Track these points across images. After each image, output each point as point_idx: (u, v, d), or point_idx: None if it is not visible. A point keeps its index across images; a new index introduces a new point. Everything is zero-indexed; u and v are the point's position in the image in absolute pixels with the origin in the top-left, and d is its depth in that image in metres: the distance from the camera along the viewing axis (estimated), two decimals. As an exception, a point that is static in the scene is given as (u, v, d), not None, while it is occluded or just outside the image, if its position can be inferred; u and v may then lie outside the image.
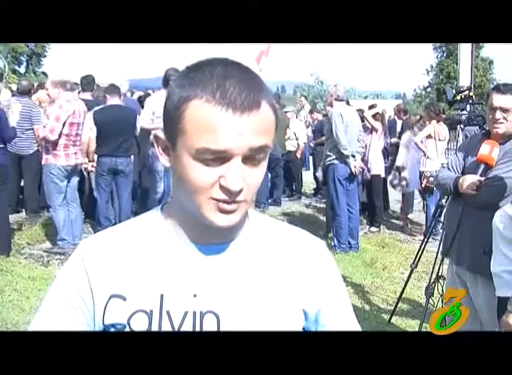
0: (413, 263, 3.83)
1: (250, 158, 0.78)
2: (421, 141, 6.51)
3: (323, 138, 6.86)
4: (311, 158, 6.87)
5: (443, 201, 3.58)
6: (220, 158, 0.76)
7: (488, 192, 2.61)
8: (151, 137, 6.04)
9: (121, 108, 5.58)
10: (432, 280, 3.32)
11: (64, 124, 5.01)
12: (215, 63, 0.80)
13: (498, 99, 2.59)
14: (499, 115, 2.59)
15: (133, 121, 5.56)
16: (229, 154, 0.76)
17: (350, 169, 5.59)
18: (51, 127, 4.94)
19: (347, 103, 6.00)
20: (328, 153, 5.69)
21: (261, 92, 0.78)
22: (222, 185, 0.77)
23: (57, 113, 4.98)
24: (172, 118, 0.79)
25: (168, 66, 5.56)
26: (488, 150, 2.66)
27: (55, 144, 5.03)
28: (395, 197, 8.32)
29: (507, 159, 2.59)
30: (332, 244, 5.66)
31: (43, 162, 5.16)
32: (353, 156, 5.61)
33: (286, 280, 0.90)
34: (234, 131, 0.75)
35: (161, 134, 0.83)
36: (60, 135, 4.99)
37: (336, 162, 5.62)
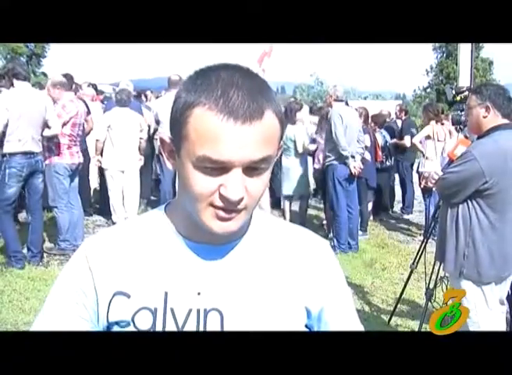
0: (413, 264, 3.82)
1: (251, 169, 0.77)
2: (420, 142, 6.51)
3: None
4: (310, 158, 6.84)
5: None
6: (220, 167, 0.76)
7: (438, 185, 2.77)
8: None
9: None
10: (430, 281, 3.33)
11: (66, 124, 5.08)
12: (222, 69, 0.79)
13: (469, 99, 2.71)
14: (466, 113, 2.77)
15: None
16: (230, 165, 0.75)
17: (350, 169, 5.59)
18: (54, 123, 4.89)
19: (346, 104, 6.00)
20: (328, 154, 5.69)
21: (266, 100, 0.77)
22: (222, 194, 0.77)
23: (59, 112, 5.05)
24: (178, 122, 0.78)
25: (167, 66, 5.62)
26: (452, 146, 2.78)
27: (58, 144, 5.05)
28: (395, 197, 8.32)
29: (461, 155, 2.68)
30: (332, 244, 5.66)
31: (46, 162, 5.00)
32: (353, 157, 5.62)
33: (290, 279, 0.90)
34: (235, 143, 0.74)
35: (167, 138, 0.83)
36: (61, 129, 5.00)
37: (335, 162, 5.63)
